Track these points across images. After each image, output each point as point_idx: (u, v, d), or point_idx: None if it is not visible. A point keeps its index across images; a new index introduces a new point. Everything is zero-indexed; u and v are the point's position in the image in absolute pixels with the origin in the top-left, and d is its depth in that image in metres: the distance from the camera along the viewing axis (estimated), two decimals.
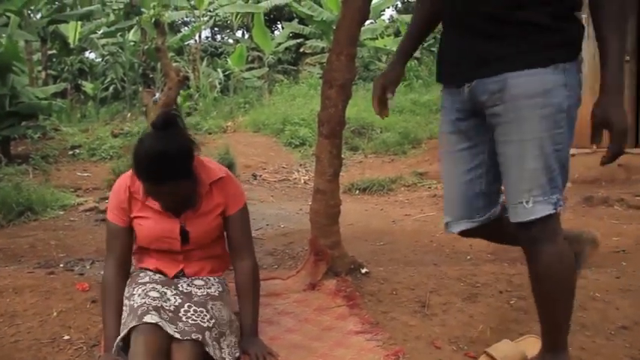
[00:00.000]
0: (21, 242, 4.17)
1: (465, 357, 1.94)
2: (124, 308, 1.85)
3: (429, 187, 6.09)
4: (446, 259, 3.52)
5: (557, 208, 1.66)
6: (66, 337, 2.08)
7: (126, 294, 1.90)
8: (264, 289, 2.34)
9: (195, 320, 1.76)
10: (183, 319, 1.76)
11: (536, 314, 2.19)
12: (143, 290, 1.84)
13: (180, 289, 1.90)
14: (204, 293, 1.91)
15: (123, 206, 1.96)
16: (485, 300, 2.35)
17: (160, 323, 1.69)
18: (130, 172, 1.95)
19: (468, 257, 3.55)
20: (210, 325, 1.77)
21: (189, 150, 1.83)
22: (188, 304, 1.82)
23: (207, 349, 1.72)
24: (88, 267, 3.30)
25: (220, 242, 2.11)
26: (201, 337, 1.71)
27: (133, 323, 1.70)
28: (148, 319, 1.70)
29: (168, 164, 1.76)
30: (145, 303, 1.77)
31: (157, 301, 1.78)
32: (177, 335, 1.68)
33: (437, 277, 2.65)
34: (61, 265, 3.32)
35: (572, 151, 6.40)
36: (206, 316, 1.79)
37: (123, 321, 1.81)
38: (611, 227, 4.21)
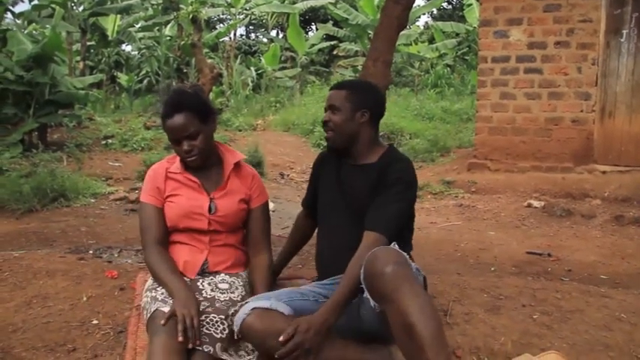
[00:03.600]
0: (53, 227, 4.30)
1: None
2: (146, 298, 1.91)
3: (456, 196, 6.06)
4: (470, 269, 3.51)
5: None
6: (94, 322, 2.15)
7: (149, 286, 1.95)
8: (288, 287, 2.37)
9: (209, 330, 1.79)
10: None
11: (559, 331, 2.19)
12: None
13: (204, 294, 1.93)
14: (227, 298, 1.93)
15: (158, 185, 2.04)
16: (508, 313, 2.34)
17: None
18: (166, 157, 2.12)
19: (492, 269, 3.54)
20: (224, 335, 1.80)
21: (206, 99, 2.08)
22: (206, 313, 1.85)
23: (222, 358, 1.77)
24: (116, 255, 3.38)
25: (241, 236, 2.17)
26: (212, 349, 1.75)
27: (155, 306, 1.79)
28: (168, 309, 1.78)
29: (185, 96, 1.98)
30: (166, 298, 1.85)
31: None
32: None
33: (460, 286, 2.64)
34: (91, 252, 3.41)
35: (604, 168, 6.30)
36: (220, 326, 1.81)
37: (147, 307, 1.88)
38: None
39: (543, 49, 6.43)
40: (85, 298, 2.33)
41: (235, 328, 1.76)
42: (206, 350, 1.73)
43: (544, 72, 6.45)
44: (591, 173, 6.18)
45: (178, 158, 2.07)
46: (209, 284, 1.98)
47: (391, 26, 2.52)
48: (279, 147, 8.86)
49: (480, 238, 4.39)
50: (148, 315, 1.82)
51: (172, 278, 1.88)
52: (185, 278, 1.98)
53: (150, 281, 2.00)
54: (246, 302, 1.80)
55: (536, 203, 5.47)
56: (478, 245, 4.17)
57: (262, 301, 1.79)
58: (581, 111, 6.35)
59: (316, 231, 2.28)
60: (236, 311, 1.87)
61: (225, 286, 1.98)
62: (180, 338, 1.69)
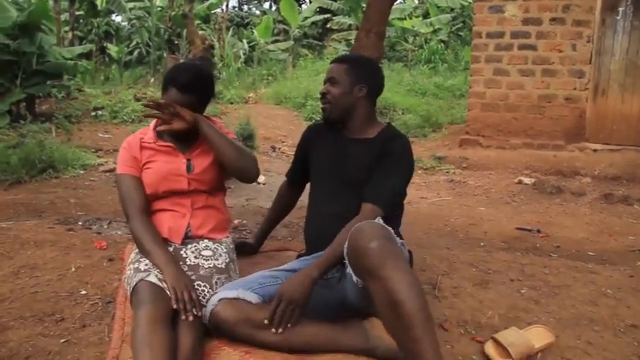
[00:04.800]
0: (42, 198, 4.26)
1: (471, 341, 1.95)
2: (129, 272, 1.90)
3: (447, 172, 6.07)
4: (459, 243, 3.53)
5: None
6: (83, 292, 2.14)
7: (132, 259, 1.95)
8: (277, 260, 2.37)
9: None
10: None
11: (546, 305, 2.21)
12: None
13: (188, 262, 1.94)
14: (211, 265, 1.94)
15: (135, 155, 2.05)
16: (496, 287, 2.36)
17: (162, 285, 1.77)
18: (138, 131, 2.14)
19: (482, 244, 3.56)
20: None
21: (214, 87, 2.12)
22: (191, 279, 1.86)
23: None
24: (105, 226, 3.36)
25: (222, 198, 2.20)
26: (200, 313, 1.76)
27: (137, 278, 1.80)
28: (151, 278, 1.79)
29: (200, 78, 2.04)
30: (149, 268, 1.86)
31: None
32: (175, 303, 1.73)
33: (449, 260, 2.66)
34: (80, 223, 3.38)
35: (596, 146, 6.33)
36: (207, 294, 1.83)
37: (128, 280, 1.88)
38: (629, 226, 4.17)
39: (538, 26, 6.39)
40: (73, 269, 2.32)
41: (205, 320, 1.77)
42: (194, 313, 1.73)
43: (538, 49, 6.41)
44: (582, 151, 6.21)
45: (151, 128, 2.10)
46: (192, 252, 1.98)
47: None
48: (270, 120, 8.79)
49: (470, 214, 4.41)
50: (131, 289, 1.83)
51: (158, 251, 1.88)
52: (171, 245, 1.99)
53: (133, 254, 2.00)
54: (215, 293, 1.80)
55: (526, 180, 5.49)
56: (468, 220, 4.19)
57: (229, 291, 1.79)
58: (575, 89, 6.34)
59: (307, 202, 2.28)
60: (219, 279, 1.90)
61: (208, 253, 1.99)
62: (183, 317, 1.71)
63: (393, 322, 1.57)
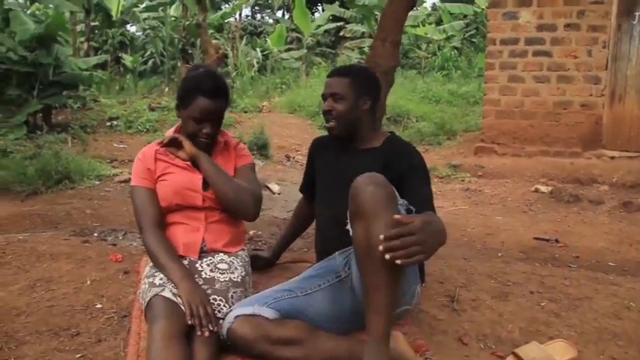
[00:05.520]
0: (58, 209, 4.29)
1: (491, 356, 1.91)
2: (144, 286, 1.89)
3: (463, 180, 6.01)
4: (477, 254, 3.48)
5: None
6: (98, 306, 2.14)
7: (147, 273, 1.94)
8: (293, 271, 2.35)
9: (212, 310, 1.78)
10: None
11: (567, 318, 2.16)
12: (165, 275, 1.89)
13: (204, 275, 1.92)
14: (227, 279, 1.92)
15: (149, 167, 2.05)
16: (515, 299, 2.32)
17: (177, 300, 1.75)
18: (154, 142, 2.13)
19: (500, 254, 3.51)
20: (224, 316, 1.79)
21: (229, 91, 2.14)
22: (207, 293, 1.84)
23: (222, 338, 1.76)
24: (120, 238, 3.36)
25: None
26: (216, 328, 1.74)
27: (151, 293, 1.78)
28: (166, 293, 1.77)
29: (223, 83, 2.06)
30: (164, 283, 1.84)
31: None
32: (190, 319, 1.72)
33: (467, 272, 2.62)
34: (95, 235, 3.39)
35: (613, 153, 6.22)
36: (223, 308, 1.81)
37: (143, 295, 1.87)
38: None
39: (553, 32, 6.33)
40: (89, 282, 2.32)
41: (223, 337, 1.74)
42: (210, 328, 1.71)
43: (553, 55, 6.35)
44: (599, 158, 6.12)
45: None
46: (208, 265, 1.97)
47: (400, 5, 2.46)
48: (284, 129, 8.80)
49: (487, 223, 4.36)
50: (145, 304, 1.81)
51: (173, 265, 1.87)
52: (186, 258, 1.98)
53: (148, 268, 1.99)
54: (231, 310, 1.78)
55: (543, 188, 5.42)
56: (485, 230, 4.14)
57: (245, 307, 1.76)
58: (591, 95, 6.26)
59: (315, 215, 2.27)
60: (235, 293, 1.88)
61: (224, 266, 1.97)
62: (199, 333, 1.69)
63: (364, 264, 1.60)
